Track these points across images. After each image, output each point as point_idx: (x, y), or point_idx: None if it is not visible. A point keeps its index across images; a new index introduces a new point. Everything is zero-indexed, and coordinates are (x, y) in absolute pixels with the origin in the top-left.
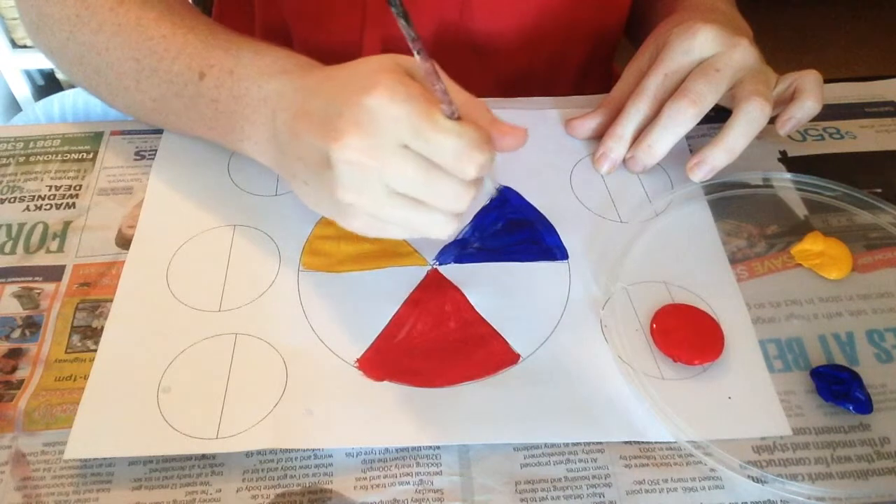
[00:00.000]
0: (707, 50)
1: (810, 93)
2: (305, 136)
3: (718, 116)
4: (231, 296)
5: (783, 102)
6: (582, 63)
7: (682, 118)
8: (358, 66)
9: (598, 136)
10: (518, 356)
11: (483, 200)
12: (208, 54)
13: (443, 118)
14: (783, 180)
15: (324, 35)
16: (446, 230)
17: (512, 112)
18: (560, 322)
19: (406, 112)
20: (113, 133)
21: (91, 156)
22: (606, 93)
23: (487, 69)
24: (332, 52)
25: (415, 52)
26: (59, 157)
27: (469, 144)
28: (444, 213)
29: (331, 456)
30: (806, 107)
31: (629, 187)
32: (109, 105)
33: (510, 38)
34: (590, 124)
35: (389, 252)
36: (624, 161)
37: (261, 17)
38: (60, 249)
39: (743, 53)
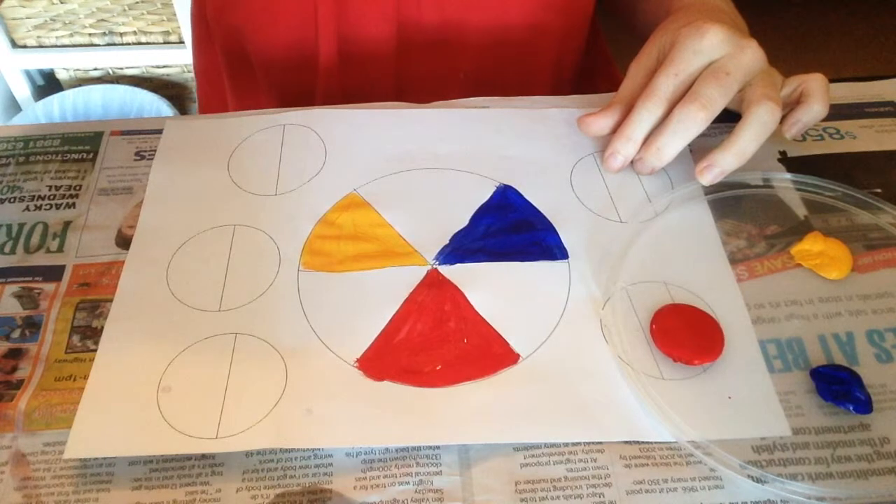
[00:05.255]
0: (717, 51)
1: (817, 97)
2: None
3: (720, 117)
4: (231, 296)
5: (789, 105)
6: (554, 57)
7: (692, 123)
8: None
9: (606, 134)
10: (518, 356)
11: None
12: None
13: None
14: (783, 180)
15: (279, 34)
16: None
17: (512, 112)
18: (560, 322)
19: None
20: (113, 133)
21: (91, 156)
22: (585, 91)
23: (454, 65)
24: (289, 52)
25: None
26: (59, 157)
27: None
28: None
29: (331, 456)
30: (813, 111)
31: (629, 187)
32: None
33: (472, 33)
34: (606, 122)
35: (389, 252)
36: (631, 162)
37: (218, 33)
38: (60, 249)
39: (752, 56)
